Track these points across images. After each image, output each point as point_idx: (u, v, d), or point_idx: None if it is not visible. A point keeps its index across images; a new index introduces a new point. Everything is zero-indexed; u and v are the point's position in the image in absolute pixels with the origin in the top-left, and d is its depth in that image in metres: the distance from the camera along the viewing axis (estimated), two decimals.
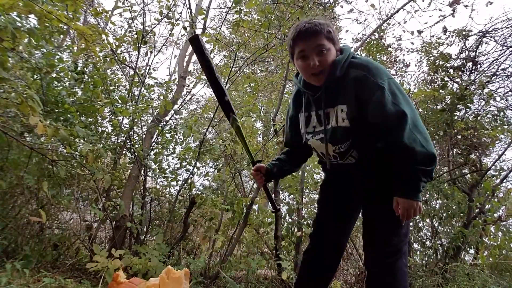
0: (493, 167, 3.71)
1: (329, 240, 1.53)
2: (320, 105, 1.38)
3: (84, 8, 3.17)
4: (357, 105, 1.27)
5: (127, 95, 3.26)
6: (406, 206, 1.26)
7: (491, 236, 3.53)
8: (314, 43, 1.28)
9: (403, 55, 5.17)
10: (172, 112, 3.67)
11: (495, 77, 4.05)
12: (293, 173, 3.40)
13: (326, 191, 1.63)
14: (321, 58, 1.29)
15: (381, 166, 1.34)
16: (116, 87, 3.42)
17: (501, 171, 3.74)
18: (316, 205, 1.70)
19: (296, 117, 1.55)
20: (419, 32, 4.50)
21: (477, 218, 3.48)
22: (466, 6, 4.17)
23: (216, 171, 4.00)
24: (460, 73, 4.14)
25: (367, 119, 1.26)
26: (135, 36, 3.34)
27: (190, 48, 4.35)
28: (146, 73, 3.73)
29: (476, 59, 4.06)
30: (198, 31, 4.07)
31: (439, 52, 4.30)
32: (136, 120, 3.17)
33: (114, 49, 3.26)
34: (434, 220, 3.80)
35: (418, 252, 3.76)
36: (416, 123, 1.23)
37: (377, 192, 1.37)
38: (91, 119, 3.17)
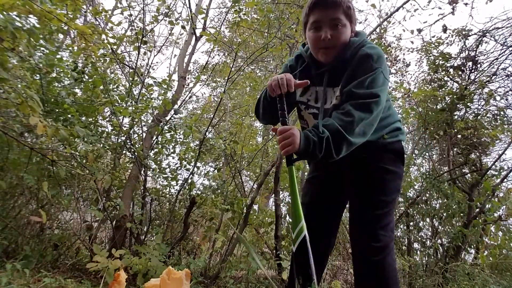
0: (493, 166, 3.70)
1: (317, 240, 1.33)
2: (320, 82, 1.31)
3: (84, 8, 3.17)
4: (347, 80, 1.22)
5: (126, 95, 3.26)
6: (289, 142, 1.08)
7: (491, 236, 3.52)
8: (331, 15, 1.20)
9: (403, 54, 5.18)
10: (172, 112, 3.66)
11: (495, 76, 4.05)
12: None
13: (312, 187, 1.52)
14: (334, 33, 1.20)
15: (373, 153, 1.30)
16: (116, 86, 3.41)
17: (501, 170, 3.73)
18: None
19: (294, 71, 1.40)
20: (419, 31, 4.51)
21: (477, 218, 3.47)
22: (466, 4, 4.17)
23: (216, 170, 4.00)
24: (460, 72, 4.14)
25: (345, 87, 1.20)
26: (136, 35, 3.34)
27: (190, 48, 4.33)
28: (145, 72, 3.73)
29: (476, 59, 4.05)
30: (198, 31, 4.07)
31: (439, 51, 4.30)
32: (136, 120, 3.17)
33: (114, 49, 3.26)
34: (434, 219, 3.80)
35: (418, 252, 3.76)
36: (375, 119, 1.18)
37: (368, 181, 1.33)
38: (91, 119, 3.16)
